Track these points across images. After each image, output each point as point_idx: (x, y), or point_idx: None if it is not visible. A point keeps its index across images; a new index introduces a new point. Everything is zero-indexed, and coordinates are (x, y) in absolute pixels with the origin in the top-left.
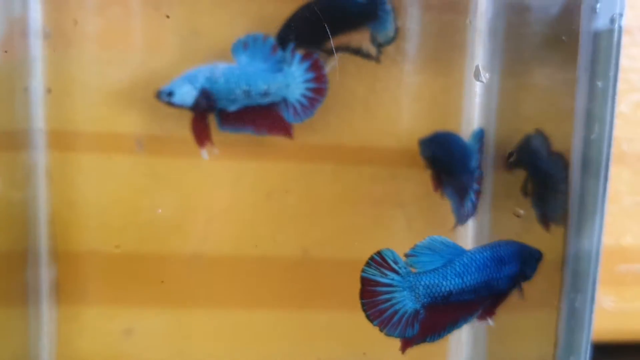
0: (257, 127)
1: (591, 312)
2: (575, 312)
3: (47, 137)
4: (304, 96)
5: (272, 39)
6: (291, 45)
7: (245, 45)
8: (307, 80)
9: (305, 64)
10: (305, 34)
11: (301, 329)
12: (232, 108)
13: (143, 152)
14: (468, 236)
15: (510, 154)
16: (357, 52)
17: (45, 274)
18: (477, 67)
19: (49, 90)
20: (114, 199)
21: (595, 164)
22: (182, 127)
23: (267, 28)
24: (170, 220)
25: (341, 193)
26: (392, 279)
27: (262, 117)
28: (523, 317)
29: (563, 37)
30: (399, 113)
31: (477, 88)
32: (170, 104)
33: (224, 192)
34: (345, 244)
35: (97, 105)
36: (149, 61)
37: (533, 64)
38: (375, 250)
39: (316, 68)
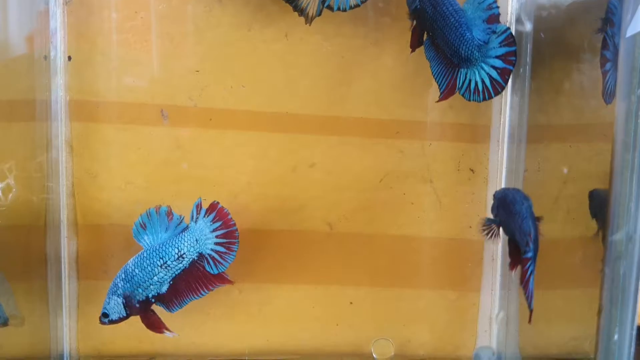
0: (194, 290)
1: (637, 279)
2: (619, 280)
3: (68, 107)
4: (218, 244)
5: (165, 208)
6: (194, 206)
7: (142, 226)
8: (215, 230)
9: (211, 216)
10: None
11: (327, 305)
12: (164, 289)
13: (168, 123)
14: None
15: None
16: (293, 2)
17: (66, 248)
18: None
19: (69, 58)
20: (137, 171)
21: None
22: (205, 98)
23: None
24: (195, 194)
25: (368, 167)
26: None
27: (192, 279)
28: (562, 295)
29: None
30: (427, 86)
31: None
32: (113, 322)
33: (249, 165)
34: (372, 219)
35: (120, 74)
36: (171, 31)
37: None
38: (404, 226)
39: (222, 216)
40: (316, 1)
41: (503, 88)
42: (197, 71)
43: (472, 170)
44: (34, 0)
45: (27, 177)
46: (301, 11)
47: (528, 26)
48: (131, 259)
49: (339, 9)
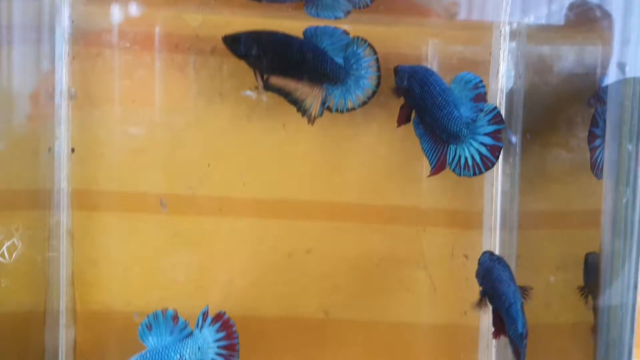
0: None
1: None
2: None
3: (70, 196)
4: (219, 354)
5: (172, 312)
6: (200, 314)
7: (148, 327)
8: (218, 340)
9: (216, 326)
10: (263, 54)
11: None
12: None
13: (166, 212)
14: None
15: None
16: (297, 103)
17: (64, 335)
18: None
19: (72, 150)
20: (136, 258)
21: (625, 226)
22: (205, 186)
23: None
24: (192, 280)
25: (364, 253)
26: None
27: None
28: None
29: (590, 100)
30: (421, 173)
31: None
32: None
33: (245, 251)
34: (368, 306)
35: (121, 164)
36: (173, 122)
37: (556, 125)
38: (400, 312)
39: (226, 327)
40: (318, 104)
41: (493, 164)
42: (196, 161)
43: (465, 256)
44: (40, 95)
45: (28, 264)
46: (304, 112)
47: (518, 111)
48: (133, 358)
49: (337, 110)
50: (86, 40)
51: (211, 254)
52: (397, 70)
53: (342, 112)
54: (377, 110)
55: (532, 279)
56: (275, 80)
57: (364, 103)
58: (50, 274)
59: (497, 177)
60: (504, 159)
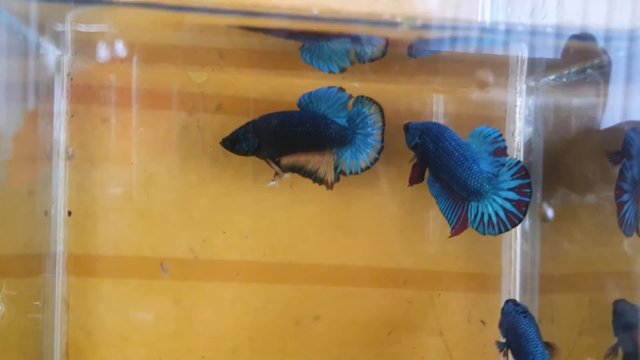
0: None
1: None
2: None
3: (66, 261)
4: None
5: None
6: None
7: None
8: None
9: None
10: (267, 143)
11: None
12: None
13: (167, 277)
14: None
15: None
16: (311, 175)
17: None
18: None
19: (69, 213)
20: (134, 327)
21: None
22: (208, 250)
23: None
24: (194, 349)
25: (375, 319)
26: None
27: None
28: None
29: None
30: (435, 234)
31: None
32: None
33: (250, 318)
34: None
35: (120, 227)
36: (175, 183)
37: (578, 184)
38: None
39: None
40: (331, 170)
41: (520, 220)
42: (199, 223)
43: (483, 322)
44: (37, 154)
45: (21, 333)
46: (320, 181)
47: (537, 170)
48: None
49: (351, 172)
50: (85, 98)
51: (214, 321)
52: (407, 127)
53: (357, 173)
54: (388, 168)
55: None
56: (286, 160)
57: (376, 160)
58: (43, 344)
59: (516, 238)
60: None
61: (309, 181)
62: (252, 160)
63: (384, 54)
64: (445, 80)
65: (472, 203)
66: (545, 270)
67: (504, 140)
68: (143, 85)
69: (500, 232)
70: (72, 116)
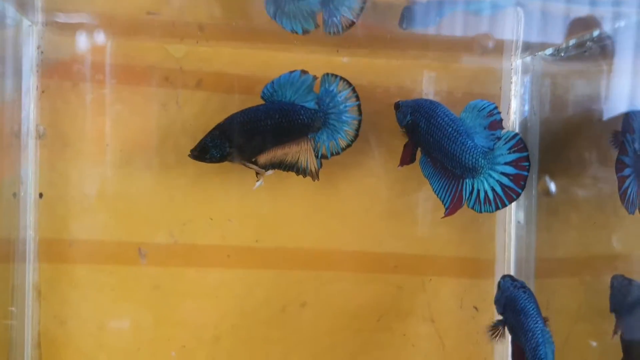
0: None
1: None
2: None
3: (37, 247)
4: None
5: None
6: None
7: None
8: None
9: None
10: (238, 145)
11: None
12: None
13: (145, 263)
14: None
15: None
16: (292, 167)
17: None
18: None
19: (40, 195)
20: (111, 316)
21: None
22: (188, 234)
23: None
24: (174, 338)
25: (364, 306)
26: None
27: None
28: None
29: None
30: (427, 217)
31: None
32: None
33: (233, 306)
34: None
35: (95, 211)
36: (153, 164)
37: (575, 165)
38: None
39: None
40: (312, 157)
41: (518, 195)
42: (179, 206)
43: (476, 308)
44: (4, 133)
45: None
46: (304, 172)
47: (533, 150)
48: None
49: (332, 154)
50: (57, 72)
51: (195, 309)
52: (398, 105)
53: (338, 153)
54: (377, 149)
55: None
56: (263, 157)
57: (356, 136)
58: (13, 335)
59: (511, 222)
60: (518, 202)
61: None
62: None
63: (358, 15)
64: (438, 55)
65: (467, 180)
66: (540, 254)
67: (499, 113)
68: (119, 60)
69: (497, 208)
70: (42, 92)
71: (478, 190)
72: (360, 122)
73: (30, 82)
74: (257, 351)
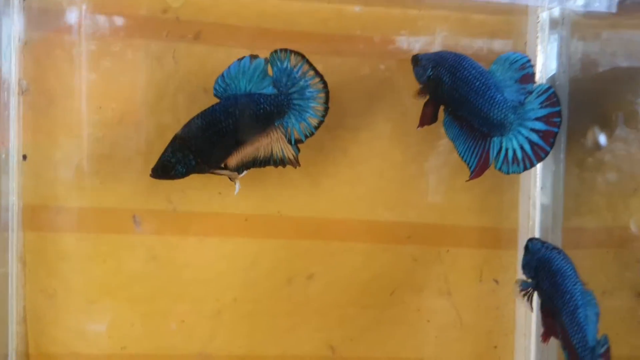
0: None
1: None
2: None
3: (21, 214)
4: None
5: None
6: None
7: None
8: None
9: None
10: (203, 152)
11: None
12: None
13: (141, 231)
14: None
15: None
16: (267, 161)
17: None
18: None
19: (24, 157)
20: (103, 289)
21: None
22: (187, 200)
23: None
24: (172, 313)
25: (376, 278)
26: None
27: None
28: None
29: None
30: (443, 183)
31: None
32: None
33: (235, 277)
34: (381, 341)
35: (84, 175)
36: (148, 123)
37: (605, 128)
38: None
39: None
40: (286, 144)
41: (547, 153)
42: None
43: (496, 281)
44: None
45: None
46: (282, 162)
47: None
48: None
49: (307, 136)
50: (42, 22)
51: (194, 281)
52: (417, 59)
53: (312, 134)
54: (390, 109)
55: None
56: (233, 160)
57: (326, 110)
58: None
59: (535, 187)
60: (544, 167)
61: None
62: None
63: None
64: (458, 5)
65: (495, 139)
66: (568, 223)
67: (532, 66)
68: (110, 9)
69: (525, 168)
70: (25, 44)
71: (506, 149)
72: (327, 93)
73: (11, 31)
74: (260, 326)
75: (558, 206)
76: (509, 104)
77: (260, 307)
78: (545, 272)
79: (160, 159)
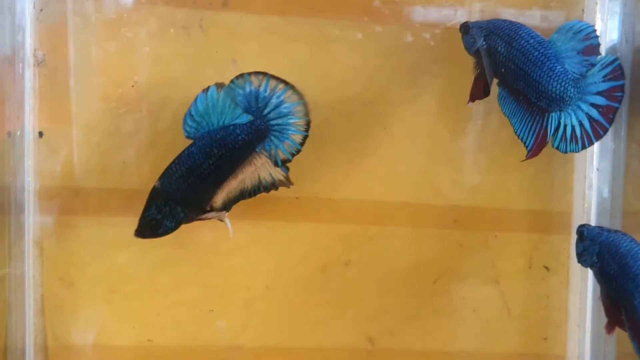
0: None
1: None
2: None
3: (38, 196)
4: None
5: None
6: None
7: None
8: None
9: None
10: (190, 199)
11: None
12: None
13: None
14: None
15: None
16: (259, 188)
17: None
18: None
19: (40, 135)
20: (126, 277)
21: None
22: None
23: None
24: (200, 303)
25: (418, 266)
26: None
27: None
28: None
29: None
30: (491, 164)
31: None
32: None
33: (268, 264)
34: (423, 333)
35: (105, 153)
36: (173, 97)
37: None
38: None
39: None
40: (273, 169)
41: (606, 130)
42: None
43: (547, 268)
44: None
45: None
46: (273, 186)
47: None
48: None
49: (293, 154)
50: None
51: (224, 269)
52: (467, 27)
53: (299, 150)
54: (435, 81)
55: None
56: (218, 199)
57: (308, 123)
58: (11, 299)
59: (592, 168)
60: (601, 145)
61: (335, 95)
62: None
63: None
64: None
65: (553, 114)
66: (628, 207)
67: (597, 37)
68: None
69: (584, 147)
70: (41, 10)
71: (565, 125)
72: (304, 104)
73: (26, 0)
74: (294, 316)
75: (617, 188)
76: (569, 76)
77: (293, 296)
78: (611, 256)
79: (143, 217)
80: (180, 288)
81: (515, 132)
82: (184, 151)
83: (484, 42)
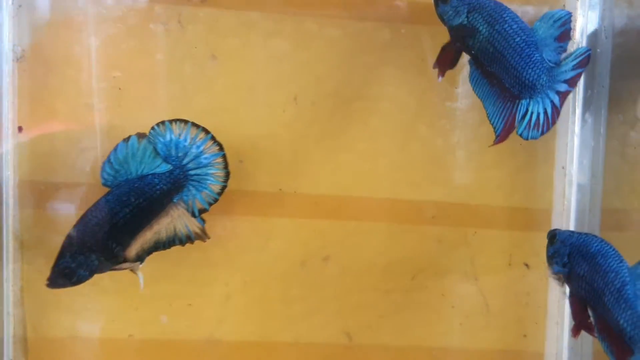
0: None
1: None
2: None
3: (17, 190)
4: None
5: None
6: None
7: None
8: None
9: None
10: (104, 247)
11: None
12: None
13: None
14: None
15: None
16: (174, 241)
17: None
18: None
19: (20, 129)
20: (107, 272)
21: None
22: None
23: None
24: (178, 296)
25: (397, 261)
26: None
27: None
28: None
29: None
30: (470, 160)
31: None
32: None
33: (245, 259)
34: (402, 328)
35: (84, 149)
36: (153, 93)
37: None
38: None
39: None
40: (190, 220)
41: (559, 114)
42: None
43: (526, 265)
44: None
45: None
46: (189, 239)
47: (604, 79)
48: None
49: (210, 204)
50: None
51: (202, 263)
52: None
53: (216, 200)
54: (414, 77)
55: None
56: (132, 249)
57: (227, 175)
58: None
59: (572, 164)
60: (581, 142)
61: (317, 92)
62: (251, 67)
63: None
64: None
65: (522, 101)
66: (607, 204)
67: (571, 22)
68: None
69: (542, 133)
70: (19, 6)
71: (531, 113)
72: (224, 156)
73: None
74: (272, 311)
75: (597, 185)
76: (545, 65)
77: (272, 291)
78: (581, 255)
79: (56, 266)
80: (158, 282)
81: (487, 116)
82: (100, 199)
83: (466, 19)
